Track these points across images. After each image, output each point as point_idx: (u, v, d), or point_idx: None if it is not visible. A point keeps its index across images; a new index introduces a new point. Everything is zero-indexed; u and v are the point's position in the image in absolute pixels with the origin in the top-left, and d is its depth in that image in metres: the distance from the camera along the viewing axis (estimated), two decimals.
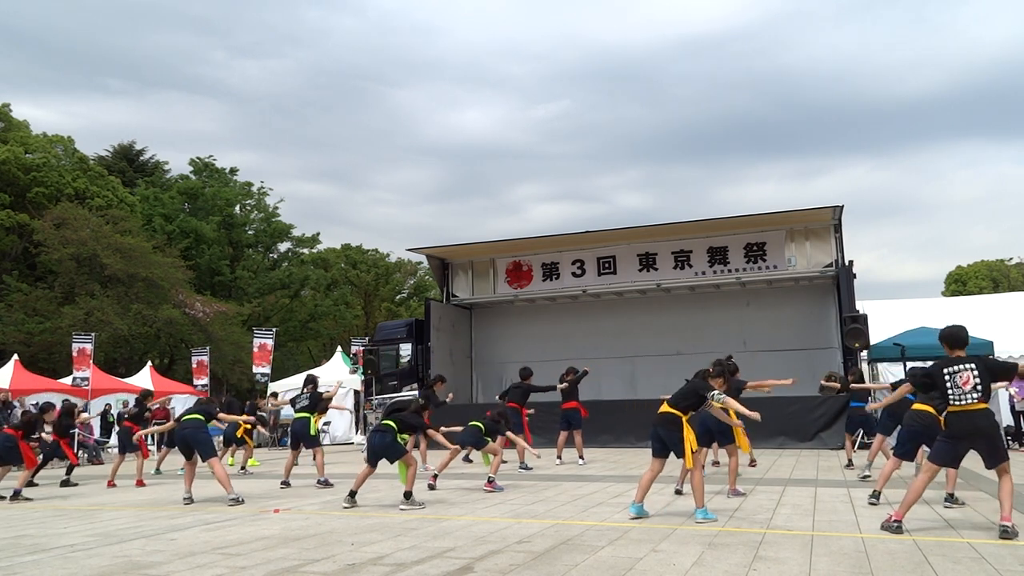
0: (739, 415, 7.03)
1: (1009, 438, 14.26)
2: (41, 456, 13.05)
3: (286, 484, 10.66)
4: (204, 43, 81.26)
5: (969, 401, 5.60)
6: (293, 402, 11.40)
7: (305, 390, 11.29)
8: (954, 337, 5.91)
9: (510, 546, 5.61)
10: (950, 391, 5.70)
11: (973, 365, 5.66)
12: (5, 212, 31.52)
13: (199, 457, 9.24)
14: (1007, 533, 5.39)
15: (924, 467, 6.06)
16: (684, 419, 6.70)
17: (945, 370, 5.76)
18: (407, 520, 7.04)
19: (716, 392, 6.84)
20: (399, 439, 8.14)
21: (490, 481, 9.22)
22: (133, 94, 74.34)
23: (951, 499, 7.02)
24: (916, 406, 7.15)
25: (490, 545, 5.66)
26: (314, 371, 26.28)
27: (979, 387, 5.60)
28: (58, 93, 70.29)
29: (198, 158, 44.20)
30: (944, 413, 5.89)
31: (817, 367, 17.40)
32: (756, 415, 6.67)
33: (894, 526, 5.77)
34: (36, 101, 67.53)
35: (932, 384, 5.92)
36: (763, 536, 5.77)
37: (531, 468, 11.82)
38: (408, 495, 7.92)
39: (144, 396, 13.23)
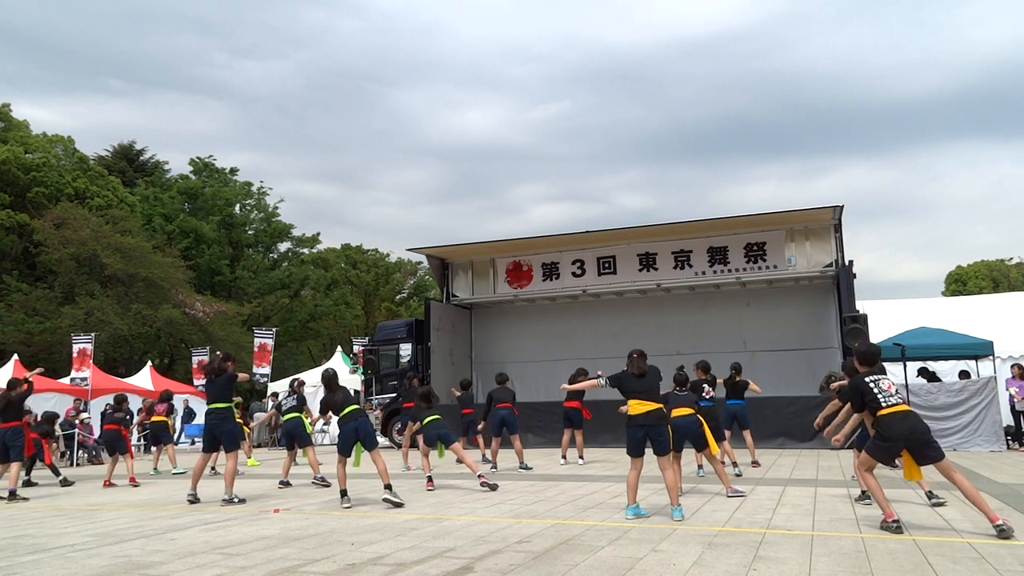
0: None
1: (1009, 438, 14.25)
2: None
3: (285, 484, 10.69)
4: (206, 44, 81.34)
5: (896, 403, 5.93)
6: (279, 406, 11.64)
7: (291, 391, 11.77)
8: (869, 355, 6.33)
9: (510, 546, 5.60)
10: (879, 396, 5.98)
11: (885, 375, 6.13)
12: (5, 212, 31.51)
13: (223, 448, 9.23)
14: (1004, 532, 5.41)
15: (861, 460, 6.26)
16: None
17: (867, 380, 6.10)
18: (407, 520, 7.04)
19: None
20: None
21: (481, 477, 9.27)
22: (135, 95, 74.47)
23: (932, 496, 7.05)
24: None
25: (490, 545, 5.66)
26: (313, 372, 26.30)
27: (898, 390, 6.03)
28: (60, 94, 70.39)
29: (198, 158, 44.24)
30: (876, 418, 6.04)
31: (817, 367, 17.39)
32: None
33: (893, 526, 5.78)
34: (38, 102, 67.61)
35: (862, 398, 6.13)
36: (763, 536, 5.76)
37: (531, 468, 11.81)
38: (389, 487, 8.04)
39: (120, 400, 13.22)
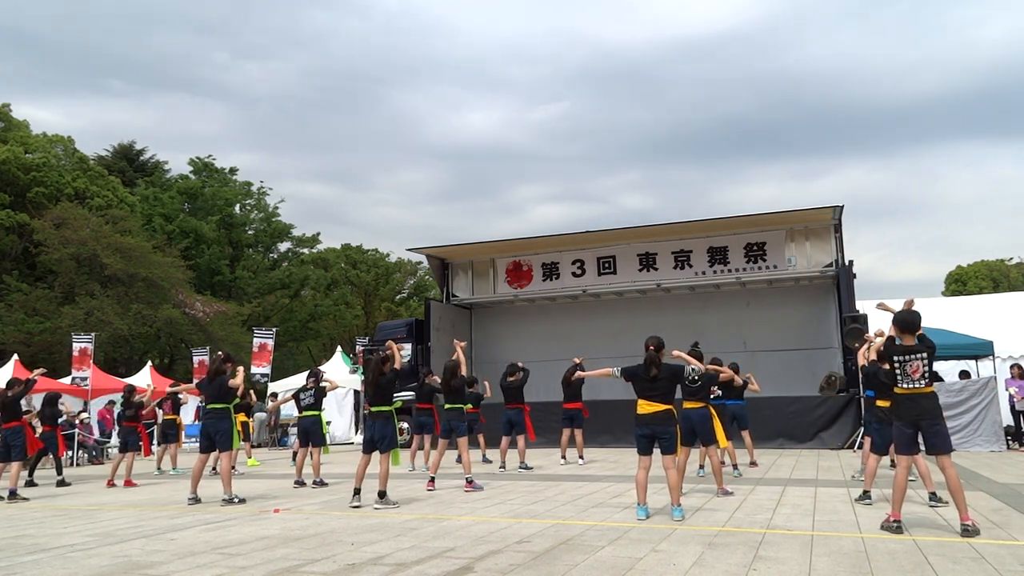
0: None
1: (1009, 438, 14.25)
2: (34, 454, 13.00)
3: (300, 483, 10.61)
4: (207, 45, 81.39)
5: (917, 387, 5.83)
6: (297, 398, 11.34)
7: (309, 382, 11.30)
8: (906, 323, 6.02)
9: (510, 546, 5.60)
10: (899, 377, 5.91)
11: (924, 355, 5.84)
12: (5, 212, 31.48)
13: (218, 447, 9.17)
14: (968, 532, 5.49)
15: (896, 461, 6.17)
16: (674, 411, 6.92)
17: (895, 358, 5.96)
18: (407, 520, 7.04)
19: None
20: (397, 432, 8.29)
21: (469, 482, 9.29)
22: (135, 95, 74.49)
23: (935, 498, 7.02)
24: (879, 402, 7.24)
25: (490, 545, 5.66)
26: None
27: (927, 375, 5.83)
28: (60, 94, 70.46)
29: (197, 158, 44.21)
30: (892, 397, 6.11)
31: (817, 367, 17.41)
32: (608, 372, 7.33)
33: (894, 526, 5.78)
34: (39, 102, 67.67)
35: (888, 373, 6.16)
36: (763, 536, 5.76)
37: (531, 468, 11.81)
38: (382, 494, 7.99)
39: (130, 392, 13.01)
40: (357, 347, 22.78)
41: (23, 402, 11.31)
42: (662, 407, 6.76)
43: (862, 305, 15.44)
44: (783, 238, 17.87)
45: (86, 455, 18.56)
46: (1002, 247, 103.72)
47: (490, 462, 12.94)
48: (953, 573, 4.49)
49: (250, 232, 45.58)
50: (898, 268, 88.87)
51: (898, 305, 6.42)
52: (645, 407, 6.81)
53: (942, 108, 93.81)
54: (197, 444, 20.99)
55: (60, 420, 13.14)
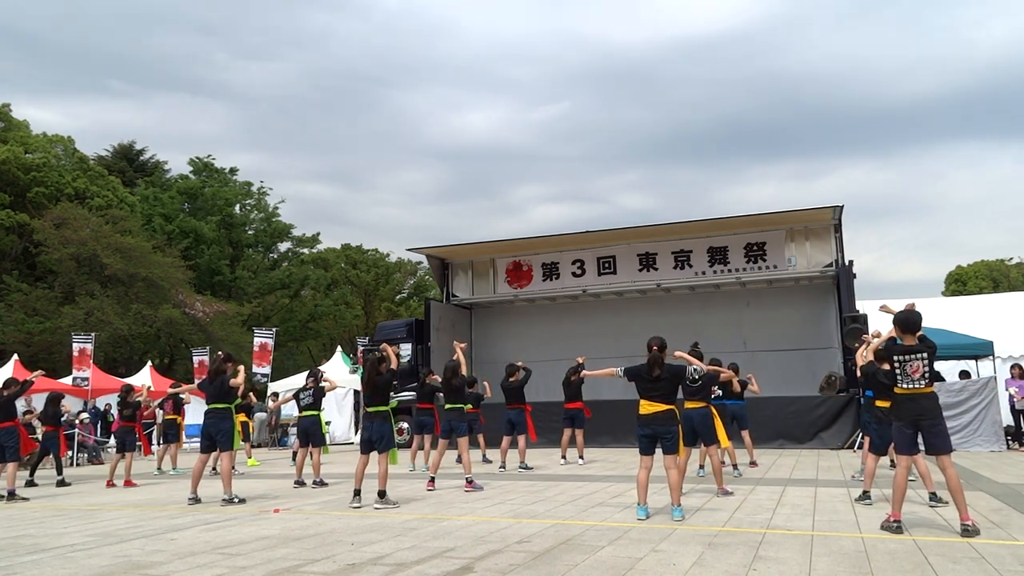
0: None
1: (1009, 438, 14.25)
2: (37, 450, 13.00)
3: (300, 483, 10.61)
4: (208, 45, 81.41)
5: (917, 387, 5.80)
6: (297, 398, 11.33)
7: (308, 382, 11.29)
8: (907, 323, 6.00)
9: (510, 546, 5.60)
10: (899, 377, 5.88)
11: (925, 355, 5.81)
12: (5, 212, 31.47)
13: (219, 447, 9.17)
14: (968, 532, 5.49)
15: (896, 461, 6.16)
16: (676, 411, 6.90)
17: (896, 358, 5.93)
18: (407, 520, 7.04)
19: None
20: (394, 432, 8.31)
21: (469, 482, 9.29)
22: (136, 96, 74.52)
23: (935, 499, 7.01)
24: (879, 402, 7.26)
25: (490, 545, 5.66)
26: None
27: (927, 375, 5.80)
28: (60, 94, 70.46)
29: (197, 158, 44.20)
30: (892, 397, 6.10)
31: (817, 367, 17.41)
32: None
33: (894, 526, 5.79)
34: (40, 103, 67.68)
35: (884, 370, 6.19)
36: (763, 536, 5.76)
37: (531, 468, 11.81)
38: (382, 494, 7.99)
39: (127, 392, 13.00)
40: (357, 347, 22.78)
41: (23, 403, 11.31)
42: (664, 407, 6.77)
43: (862, 305, 15.44)
44: (783, 238, 17.87)
45: (86, 455, 18.55)
46: (1002, 247, 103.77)
47: (490, 462, 12.94)
48: (953, 573, 4.49)
49: (250, 232, 45.57)
50: (898, 268, 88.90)
51: (899, 307, 6.43)
52: (647, 407, 6.82)
53: (942, 108, 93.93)
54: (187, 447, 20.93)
55: (62, 420, 13.15)
